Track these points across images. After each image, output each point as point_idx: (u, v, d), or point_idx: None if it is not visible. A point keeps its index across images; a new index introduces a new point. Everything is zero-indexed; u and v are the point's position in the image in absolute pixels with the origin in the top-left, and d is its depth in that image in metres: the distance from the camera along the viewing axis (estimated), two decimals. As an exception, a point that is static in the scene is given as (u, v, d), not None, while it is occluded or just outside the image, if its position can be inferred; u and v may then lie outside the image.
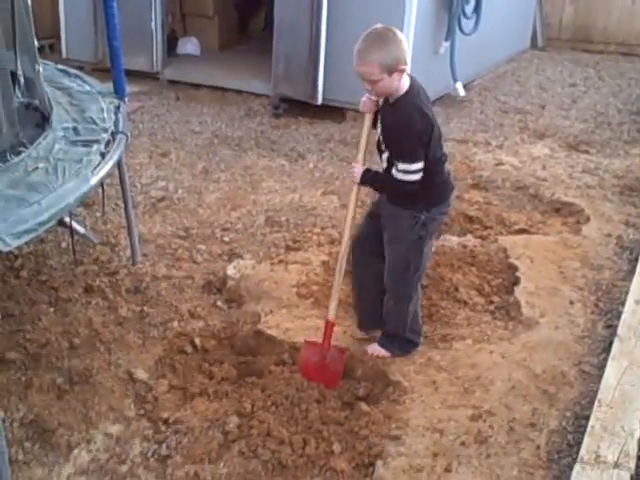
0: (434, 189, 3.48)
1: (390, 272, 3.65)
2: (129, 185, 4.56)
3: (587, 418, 3.27)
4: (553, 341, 3.91)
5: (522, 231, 5.15)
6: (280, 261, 4.67)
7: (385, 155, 3.47)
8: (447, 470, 3.07)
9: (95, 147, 3.69)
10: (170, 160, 6.29)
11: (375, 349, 3.76)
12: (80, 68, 5.28)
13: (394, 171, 3.34)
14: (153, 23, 8.06)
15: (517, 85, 9.12)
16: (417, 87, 3.30)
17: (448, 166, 3.57)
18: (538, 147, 6.95)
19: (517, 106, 8.22)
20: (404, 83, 3.25)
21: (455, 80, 8.03)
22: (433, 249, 4.04)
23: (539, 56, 10.63)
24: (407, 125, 3.26)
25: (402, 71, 3.15)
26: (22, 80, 3.71)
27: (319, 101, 7.42)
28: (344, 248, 3.57)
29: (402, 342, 3.76)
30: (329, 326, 3.64)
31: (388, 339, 3.77)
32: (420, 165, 3.28)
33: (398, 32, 3.19)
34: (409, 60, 3.21)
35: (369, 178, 3.47)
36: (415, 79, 3.31)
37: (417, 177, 3.31)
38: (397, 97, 3.28)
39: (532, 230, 5.18)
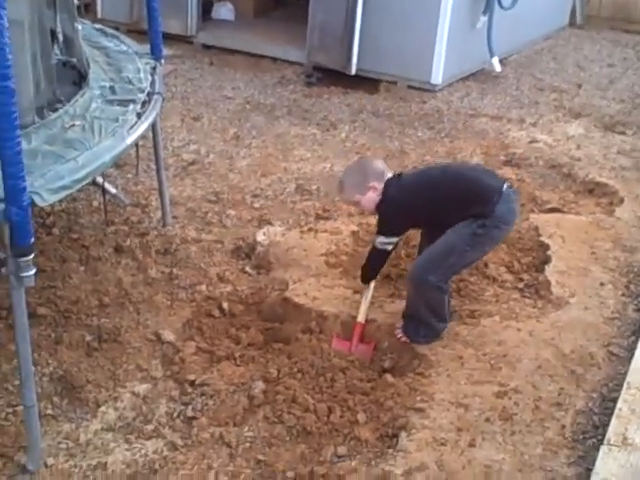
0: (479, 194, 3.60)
1: (429, 251, 3.64)
2: (161, 147, 4.56)
3: (614, 400, 3.25)
4: (582, 321, 3.88)
5: (554, 210, 5.10)
6: (310, 229, 4.66)
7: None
8: (471, 445, 3.07)
9: (131, 107, 3.68)
10: (202, 124, 6.28)
11: (399, 333, 3.74)
12: (115, 29, 5.26)
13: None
14: (188, -14, 8.01)
15: (554, 63, 8.97)
16: (392, 188, 3.66)
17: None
18: (573, 126, 6.84)
19: (553, 84, 8.09)
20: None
21: (492, 55, 7.92)
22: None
23: (577, 34, 10.44)
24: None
25: (372, 188, 3.63)
26: (61, 38, 3.70)
27: (353, 71, 7.36)
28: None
29: (426, 330, 3.68)
30: (358, 327, 3.72)
31: (412, 324, 3.71)
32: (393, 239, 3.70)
33: (367, 160, 4.15)
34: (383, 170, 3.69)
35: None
36: (391, 182, 3.67)
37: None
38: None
39: (564, 209, 5.12)
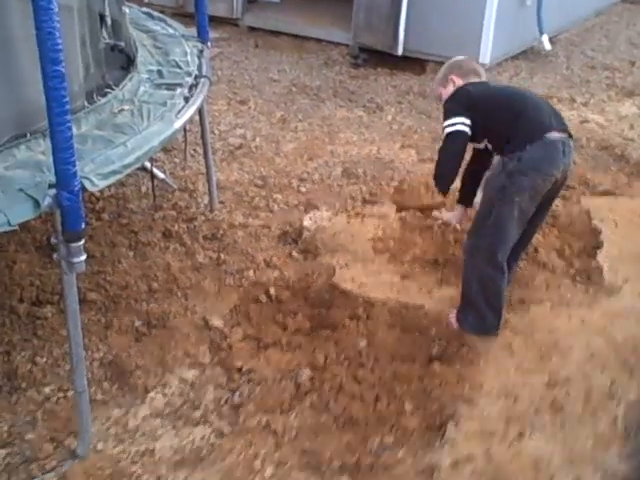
0: (520, 128, 3.48)
1: (474, 217, 3.65)
2: (208, 131, 4.57)
3: (668, 391, 3.18)
4: (636, 309, 3.79)
5: (607, 193, 4.98)
6: (357, 214, 4.63)
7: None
8: (520, 436, 3.03)
9: (179, 90, 3.68)
10: (248, 108, 6.28)
11: (451, 319, 3.68)
12: (161, 12, 5.27)
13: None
14: (234, -32, 7.99)
15: (605, 40, 8.77)
16: (467, 85, 3.71)
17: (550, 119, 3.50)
18: (626, 105, 6.68)
19: (605, 62, 7.91)
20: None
21: (541, 33, 7.77)
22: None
23: (630, 9, 10.18)
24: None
25: (452, 81, 3.72)
26: (109, 22, 3.69)
27: (400, 52, 7.28)
28: None
29: (476, 317, 3.59)
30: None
31: (464, 309, 3.63)
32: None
33: (463, 58, 3.92)
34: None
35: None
36: (470, 83, 3.73)
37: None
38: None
39: (617, 192, 5.00)
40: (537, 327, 3.65)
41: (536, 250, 4.23)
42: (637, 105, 6.71)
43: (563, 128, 3.53)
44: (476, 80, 3.75)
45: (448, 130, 3.58)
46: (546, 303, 3.83)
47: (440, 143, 3.72)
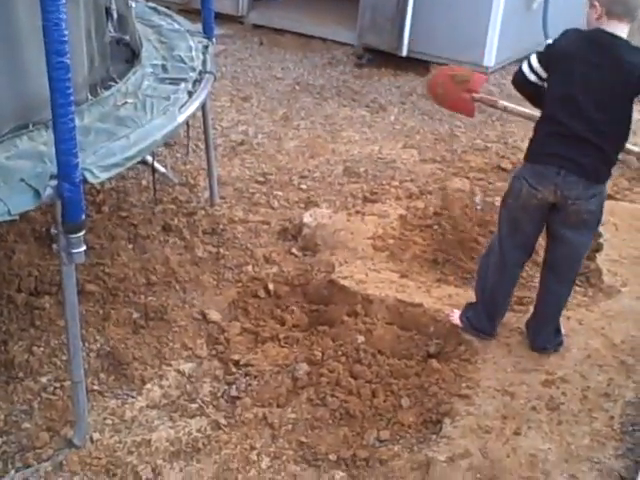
0: (537, 136, 3.32)
1: None
2: (210, 127, 4.57)
3: (665, 392, 3.18)
4: (634, 311, 3.79)
5: (608, 197, 4.93)
6: (357, 212, 4.63)
7: None
8: (516, 433, 3.03)
9: (183, 85, 3.68)
10: (251, 105, 6.28)
11: (453, 315, 3.67)
12: (167, 8, 5.28)
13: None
14: (240, -34, 7.99)
15: (610, 45, 8.77)
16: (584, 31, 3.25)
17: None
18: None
19: (609, 67, 7.90)
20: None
21: (547, 37, 7.73)
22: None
23: (635, 16, 10.19)
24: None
25: (592, 5, 3.15)
26: (115, 15, 3.71)
27: (404, 53, 7.27)
28: None
29: (473, 312, 3.58)
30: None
31: (467, 306, 3.64)
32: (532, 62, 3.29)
33: None
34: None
35: None
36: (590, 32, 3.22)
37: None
38: None
39: (618, 196, 5.00)
40: (535, 327, 3.65)
41: (536, 251, 4.21)
42: (639, 110, 6.69)
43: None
44: (614, 21, 3.15)
45: (519, 67, 3.41)
46: (545, 303, 3.82)
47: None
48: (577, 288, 3.96)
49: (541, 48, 3.35)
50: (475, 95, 3.35)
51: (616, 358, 3.46)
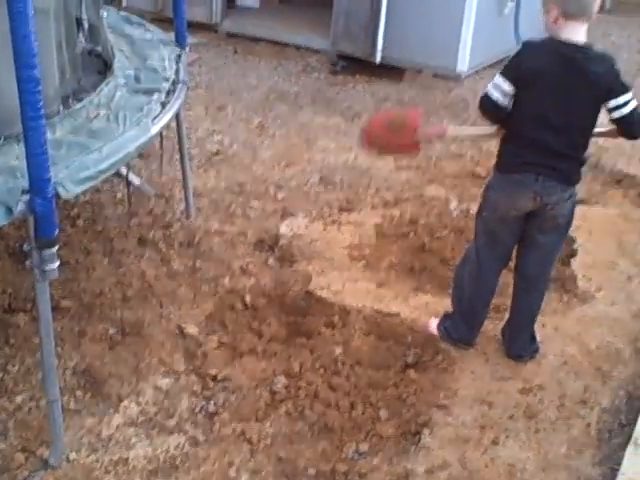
0: (508, 148, 3.32)
1: None
2: (185, 138, 4.55)
3: (641, 398, 3.20)
4: (609, 317, 3.83)
5: (580, 202, 4.97)
6: (333, 221, 4.63)
7: None
8: (494, 443, 3.04)
9: (156, 96, 3.64)
10: (226, 114, 6.26)
11: (430, 324, 3.68)
12: (139, 17, 5.24)
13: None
14: (213, -27, 7.98)
15: (582, 49, 8.83)
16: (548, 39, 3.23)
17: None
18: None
19: (581, 71, 7.96)
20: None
21: (518, 42, 7.81)
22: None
23: (606, 20, 10.23)
24: None
25: (548, 10, 3.16)
26: (86, 25, 3.68)
27: (378, 60, 7.29)
28: None
29: (452, 322, 3.59)
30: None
31: (445, 316, 3.65)
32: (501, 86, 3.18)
33: None
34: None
35: None
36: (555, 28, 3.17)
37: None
38: None
39: (591, 201, 5.04)
40: (512, 334, 3.66)
41: (510, 258, 4.24)
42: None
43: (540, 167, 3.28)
44: (575, 24, 3.12)
45: (485, 90, 3.31)
46: (521, 310, 3.84)
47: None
48: (552, 294, 3.99)
49: (513, 53, 3.30)
50: (420, 135, 3.32)
51: (592, 364, 3.49)
